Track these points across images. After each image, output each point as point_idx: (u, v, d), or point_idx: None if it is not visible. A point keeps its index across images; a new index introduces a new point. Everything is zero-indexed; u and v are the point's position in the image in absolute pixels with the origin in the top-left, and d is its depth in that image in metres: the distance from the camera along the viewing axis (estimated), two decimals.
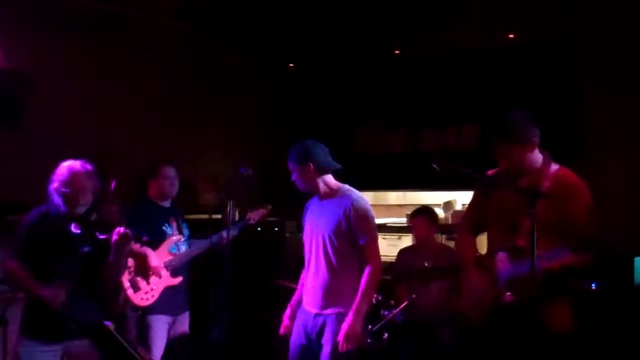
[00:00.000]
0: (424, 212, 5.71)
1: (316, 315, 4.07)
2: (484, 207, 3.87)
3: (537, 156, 3.69)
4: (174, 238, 4.78)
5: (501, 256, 3.66)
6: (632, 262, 5.11)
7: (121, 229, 3.95)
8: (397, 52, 7.17)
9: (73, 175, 4.02)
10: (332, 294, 4.03)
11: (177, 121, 6.73)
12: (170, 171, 4.84)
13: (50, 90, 5.69)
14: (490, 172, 3.89)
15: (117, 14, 6.31)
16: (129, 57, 6.38)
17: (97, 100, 6.11)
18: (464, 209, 7.02)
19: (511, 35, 6.48)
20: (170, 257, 4.73)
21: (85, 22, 6.06)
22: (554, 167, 3.68)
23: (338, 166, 4.16)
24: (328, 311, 4.02)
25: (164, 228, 4.78)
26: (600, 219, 3.49)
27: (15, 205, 5.27)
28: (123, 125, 6.19)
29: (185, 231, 4.92)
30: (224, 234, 4.61)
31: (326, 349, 3.96)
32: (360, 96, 7.40)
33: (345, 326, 3.90)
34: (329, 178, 4.15)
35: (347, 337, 3.89)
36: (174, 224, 4.85)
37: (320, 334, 4.04)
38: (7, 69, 5.45)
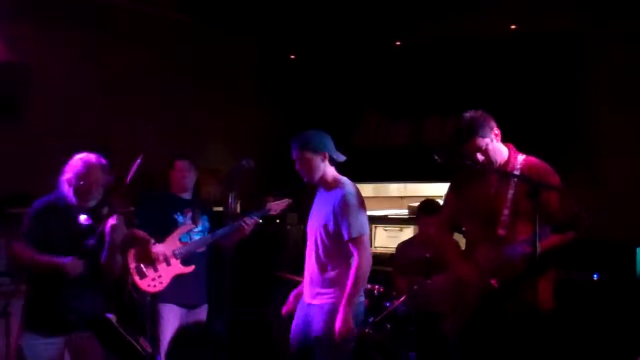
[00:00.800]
0: (434, 210, 5.63)
1: (308, 305, 4.09)
2: (460, 204, 3.95)
3: (503, 148, 3.81)
4: (186, 227, 4.80)
5: (483, 248, 3.72)
6: (634, 253, 5.12)
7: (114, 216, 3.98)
8: (398, 43, 7.15)
9: (88, 168, 4.02)
10: (320, 286, 4.03)
11: (177, 113, 6.72)
12: (184, 164, 4.92)
13: (50, 83, 5.69)
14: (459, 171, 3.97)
15: (116, 6, 6.30)
16: (128, 49, 6.37)
17: (96, 93, 6.10)
18: None
19: (513, 27, 6.46)
20: (180, 246, 4.76)
21: (84, 15, 6.05)
22: (521, 156, 3.80)
23: (344, 158, 4.13)
24: (315, 301, 4.03)
25: (175, 216, 4.83)
26: (571, 198, 3.59)
27: (16, 198, 5.28)
28: (123, 118, 6.18)
29: (205, 224, 4.93)
30: (241, 222, 4.69)
31: (318, 342, 3.97)
32: (362, 88, 7.38)
33: (337, 324, 3.86)
34: (333, 169, 4.12)
35: (341, 333, 3.85)
36: (189, 214, 4.87)
37: (310, 324, 4.04)
38: (8, 62, 5.44)
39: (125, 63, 6.35)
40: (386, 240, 7.42)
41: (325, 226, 4.00)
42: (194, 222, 4.85)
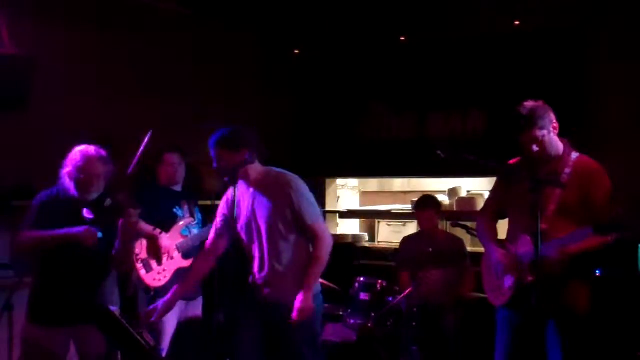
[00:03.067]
0: (431, 205, 5.66)
1: (266, 302, 3.94)
2: (506, 194, 3.95)
3: (559, 143, 3.77)
4: (186, 220, 4.82)
5: (524, 239, 3.70)
6: (636, 249, 5.12)
7: (130, 210, 3.95)
8: (402, 38, 7.14)
9: (87, 160, 3.98)
10: (275, 284, 3.90)
11: (178, 106, 6.71)
12: (174, 158, 4.87)
13: (52, 75, 5.68)
14: (511, 161, 3.96)
15: None
16: (129, 42, 6.36)
17: (98, 86, 6.10)
18: (469, 196, 7.08)
19: (516, 23, 6.45)
20: (182, 239, 4.77)
21: (85, 7, 6.05)
22: (575, 154, 3.76)
23: (266, 152, 4.03)
24: (273, 300, 3.90)
25: (174, 211, 4.83)
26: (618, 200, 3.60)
27: (21, 191, 5.29)
28: (124, 111, 6.18)
29: (198, 215, 4.96)
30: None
31: (290, 343, 3.87)
32: (366, 82, 7.37)
33: (297, 303, 3.76)
34: (257, 164, 4.00)
35: (299, 311, 3.76)
36: (186, 207, 4.89)
37: (276, 325, 3.90)
38: (12, 55, 5.44)
39: (126, 55, 6.34)
40: (389, 235, 7.44)
41: (281, 219, 3.86)
42: (192, 215, 4.87)
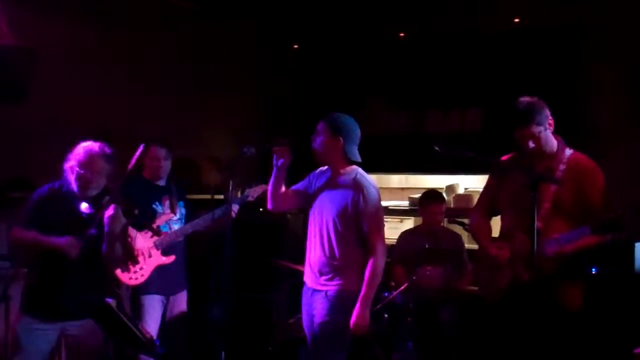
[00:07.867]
0: (444, 199, 5.74)
1: (313, 291, 4.08)
2: (499, 191, 3.95)
3: (554, 140, 3.77)
4: (166, 216, 4.75)
5: (519, 237, 3.69)
6: (633, 248, 5.13)
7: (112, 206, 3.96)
8: (401, 34, 7.14)
9: (90, 157, 4.00)
10: (325, 273, 4.02)
11: (177, 101, 6.71)
12: (159, 152, 4.79)
13: (52, 68, 5.68)
14: (504, 157, 3.95)
15: None
16: (129, 36, 6.36)
17: (98, 79, 6.10)
18: (467, 193, 7.08)
19: (516, 20, 6.45)
20: (161, 236, 4.70)
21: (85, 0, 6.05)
22: (569, 151, 3.77)
23: (359, 160, 4.13)
24: (320, 287, 4.03)
25: (154, 206, 4.77)
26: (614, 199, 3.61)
27: (18, 182, 5.29)
28: (124, 105, 6.18)
29: (182, 210, 4.89)
30: (218, 211, 4.66)
31: (315, 328, 4.01)
32: (365, 78, 7.36)
33: (353, 318, 3.92)
34: (347, 164, 4.13)
35: (356, 326, 3.93)
36: (167, 203, 4.81)
37: (313, 310, 4.05)
38: (12, 46, 5.44)
39: (126, 49, 6.34)
40: (387, 231, 7.35)
41: (341, 218, 3.98)
42: (172, 210, 4.80)
